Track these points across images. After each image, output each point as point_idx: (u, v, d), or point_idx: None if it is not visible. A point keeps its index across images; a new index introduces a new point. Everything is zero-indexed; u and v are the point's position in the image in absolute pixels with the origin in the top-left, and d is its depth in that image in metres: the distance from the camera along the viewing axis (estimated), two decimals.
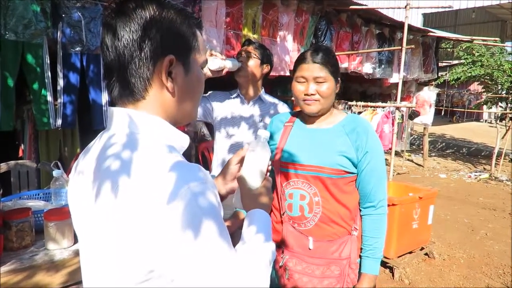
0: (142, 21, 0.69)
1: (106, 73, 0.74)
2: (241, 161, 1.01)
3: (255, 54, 2.12)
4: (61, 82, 3.07)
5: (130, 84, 0.71)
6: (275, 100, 2.26)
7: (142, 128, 0.71)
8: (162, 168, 0.63)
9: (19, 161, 2.90)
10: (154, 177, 0.62)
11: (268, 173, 1.02)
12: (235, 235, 1.83)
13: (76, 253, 1.54)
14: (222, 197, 1.02)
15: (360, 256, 1.47)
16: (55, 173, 1.91)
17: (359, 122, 1.46)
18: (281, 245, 1.47)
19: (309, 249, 1.42)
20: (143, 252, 0.62)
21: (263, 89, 2.24)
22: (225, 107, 2.21)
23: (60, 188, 1.93)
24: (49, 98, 3.03)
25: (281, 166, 1.48)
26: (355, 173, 1.43)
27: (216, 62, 1.92)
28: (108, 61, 0.72)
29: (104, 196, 0.65)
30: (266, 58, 2.16)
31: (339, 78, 1.46)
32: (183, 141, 0.78)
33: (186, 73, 0.75)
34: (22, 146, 3.74)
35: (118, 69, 0.71)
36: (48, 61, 2.99)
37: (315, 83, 1.41)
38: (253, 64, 2.13)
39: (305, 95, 1.42)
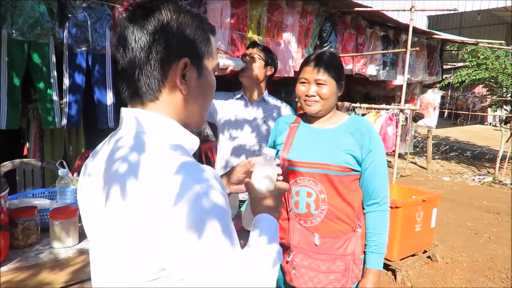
0: (159, 24, 0.70)
1: (121, 74, 0.75)
2: (247, 173, 1.03)
3: (259, 56, 2.14)
4: (66, 82, 3.09)
5: (145, 85, 0.73)
6: (278, 102, 2.27)
7: (152, 129, 0.73)
8: (169, 169, 0.64)
9: (24, 160, 2.93)
10: (161, 179, 0.63)
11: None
12: (239, 235, 1.84)
13: (81, 252, 1.55)
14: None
15: (364, 252, 1.52)
16: (61, 172, 1.93)
17: (362, 122, 1.53)
18: (287, 241, 1.52)
19: (315, 245, 1.48)
20: (152, 252, 0.63)
21: (266, 91, 2.25)
22: (228, 109, 2.23)
23: (65, 187, 1.95)
24: (55, 98, 3.05)
25: (288, 164, 1.52)
26: (359, 171, 1.50)
27: (220, 60, 1.94)
28: (124, 63, 0.73)
29: (114, 199, 0.66)
30: (270, 60, 2.18)
31: (342, 82, 1.51)
32: (193, 143, 0.80)
33: (199, 76, 0.77)
34: (27, 145, 3.77)
35: (134, 71, 0.72)
36: (54, 61, 3.01)
37: (316, 85, 1.47)
38: (257, 65, 2.14)
39: (306, 95, 1.49)
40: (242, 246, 0.81)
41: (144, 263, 0.65)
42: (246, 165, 1.04)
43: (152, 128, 0.73)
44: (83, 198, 0.79)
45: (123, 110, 0.76)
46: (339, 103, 4.32)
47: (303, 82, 1.51)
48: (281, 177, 1.04)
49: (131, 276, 0.67)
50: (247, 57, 2.16)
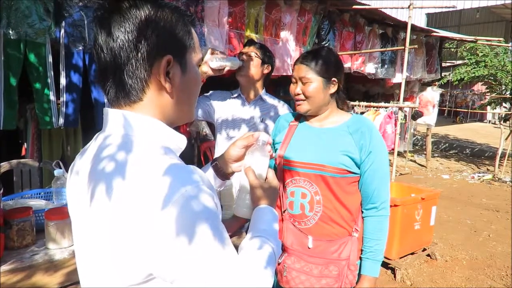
0: (137, 21, 0.68)
1: (101, 74, 0.72)
2: (247, 147, 0.99)
3: (256, 54, 2.12)
4: (63, 81, 3.08)
5: (127, 86, 0.70)
6: (275, 102, 2.25)
7: (137, 130, 0.70)
8: (156, 171, 0.62)
9: (21, 160, 2.91)
10: (148, 181, 0.61)
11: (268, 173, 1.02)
12: (236, 235, 1.83)
13: None
14: (227, 176, 1.02)
15: (360, 258, 1.48)
16: (57, 172, 1.92)
17: (363, 122, 1.47)
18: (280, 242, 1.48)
19: (308, 248, 1.43)
20: (139, 256, 0.61)
21: (264, 90, 2.24)
22: (226, 108, 2.21)
23: (62, 188, 1.94)
24: (52, 97, 3.03)
25: (284, 164, 1.49)
26: (358, 174, 1.44)
27: (217, 61, 1.92)
28: (103, 63, 0.70)
29: (99, 199, 0.64)
30: (267, 58, 2.16)
31: (334, 79, 1.46)
32: (180, 142, 0.77)
33: (183, 72, 0.74)
34: (25, 145, 3.76)
35: (114, 71, 0.69)
36: (51, 60, 2.99)
37: (301, 83, 1.46)
38: (254, 64, 2.13)
39: (294, 94, 1.49)
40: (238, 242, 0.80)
41: (131, 266, 0.63)
42: (248, 139, 0.98)
43: (136, 129, 0.70)
44: (70, 196, 0.77)
45: (106, 110, 0.74)
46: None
47: (293, 81, 1.50)
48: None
49: (117, 279, 0.65)
50: (244, 56, 2.14)
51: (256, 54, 2.13)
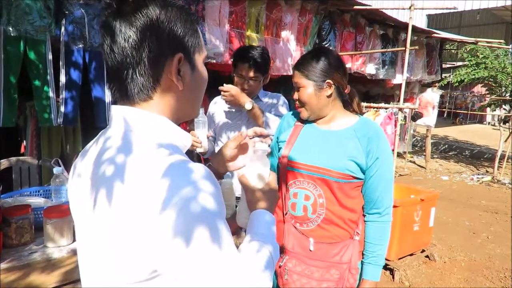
0: (148, 20, 0.68)
1: (112, 75, 0.72)
2: (238, 147, 1.02)
3: (255, 78, 2.09)
4: (63, 79, 3.07)
5: (138, 85, 0.70)
6: (274, 100, 2.24)
7: (143, 128, 0.70)
8: (156, 172, 0.62)
9: (20, 158, 2.90)
10: (147, 183, 0.61)
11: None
12: (235, 234, 1.82)
13: (75, 252, 1.53)
14: (221, 176, 1.05)
15: (361, 262, 1.47)
16: (56, 170, 1.91)
17: (371, 126, 1.44)
18: (281, 244, 1.47)
19: (310, 250, 1.42)
20: (142, 257, 0.62)
21: (261, 89, 2.23)
22: (224, 112, 2.22)
23: (60, 185, 1.93)
24: (51, 95, 3.03)
25: (288, 165, 1.47)
26: (362, 179, 1.41)
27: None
28: (114, 63, 0.70)
29: (102, 202, 0.65)
30: (265, 68, 2.12)
31: (328, 81, 1.39)
32: (186, 140, 0.77)
33: (192, 70, 0.75)
34: (24, 143, 3.75)
35: (126, 70, 0.69)
36: (51, 58, 2.99)
37: (297, 89, 1.45)
38: (257, 85, 2.12)
39: (295, 101, 1.48)
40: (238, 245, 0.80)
41: (135, 266, 0.64)
42: (238, 139, 1.01)
43: (142, 127, 0.70)
44: (73, 200, 0.78)
45: (113, 108, 0.74)
46: None
47: (294, 88, 1.49)
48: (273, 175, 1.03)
49: (122, 277, 0.66)
50: (246, 80, 2.07)
51: (256, 77, 2.08)
